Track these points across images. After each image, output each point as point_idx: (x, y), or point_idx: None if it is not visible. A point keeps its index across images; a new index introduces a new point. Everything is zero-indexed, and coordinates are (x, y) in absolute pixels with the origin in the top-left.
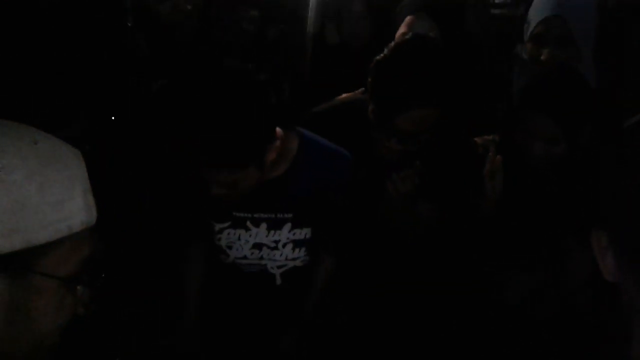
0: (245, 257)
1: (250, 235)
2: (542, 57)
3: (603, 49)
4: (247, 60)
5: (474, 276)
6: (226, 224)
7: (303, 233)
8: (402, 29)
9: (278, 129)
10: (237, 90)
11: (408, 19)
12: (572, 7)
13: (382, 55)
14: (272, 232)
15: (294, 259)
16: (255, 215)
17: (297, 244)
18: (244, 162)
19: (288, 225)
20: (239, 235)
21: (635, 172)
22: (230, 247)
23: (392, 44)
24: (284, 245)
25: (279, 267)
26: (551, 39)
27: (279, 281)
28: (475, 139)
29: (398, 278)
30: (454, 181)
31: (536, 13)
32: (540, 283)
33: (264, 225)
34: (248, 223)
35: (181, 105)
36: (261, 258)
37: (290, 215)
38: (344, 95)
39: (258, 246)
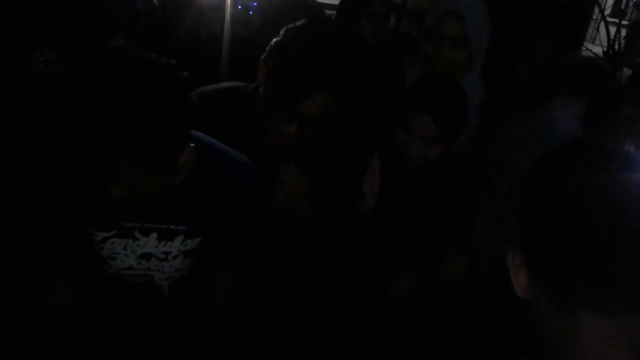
0: (130, 268)
1: (138, 245)
2: (439, 56)
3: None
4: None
5: (357, 278)
6: (111, 233)
7: (195, 243)
8: None
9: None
10: (161, 81)
11: None
12: (471, 6)
13: (282, 37)
14: (162, 242)
15: (182, 269)
16: (145, 225)
17: (187, 254)
18: (160, 157)
19: (180, 237)
20: (125, 244)
21: (551, 203)
22: (113, 258)
23: (291, 26)
24: (174, 257)
25: (167, 278)
26: (447, 37)
27: (166, 292)
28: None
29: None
30: (334, 182)
31: (434, 9)
32: (418, 284)
33: (154, 235)
34: (136, 233)
35: (90, 89)
36: (148, 269)
37: (183, 228)
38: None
39: (146, 256)
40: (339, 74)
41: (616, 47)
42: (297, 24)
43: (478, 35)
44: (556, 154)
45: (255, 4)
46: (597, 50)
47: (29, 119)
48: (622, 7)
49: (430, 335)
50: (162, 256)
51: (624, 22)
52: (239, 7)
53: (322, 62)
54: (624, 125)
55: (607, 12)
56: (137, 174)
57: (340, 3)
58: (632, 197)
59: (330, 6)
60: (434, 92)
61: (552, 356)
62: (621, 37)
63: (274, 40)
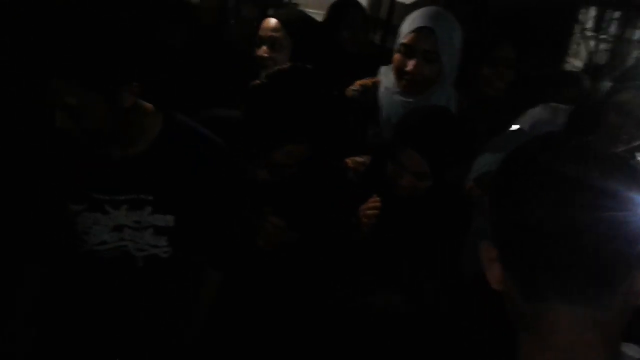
0: (104, 242)
1: (109, 219)
2: (407, 69)
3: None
4: None
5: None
6: (82, 207)
7: (165, 220)
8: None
9: (147, 104)
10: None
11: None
12: (443, 23)
13: (259, 82)
14: (133, 212)
15: (155, 247)
16: (115, 198)
17: (158, 230)
18: (94, 75)
19: (149, 209)
20: (96, 219)
21: (515, 196)
22: (87, 233)
23: (271, 72)
24: (145, 228)
25: (140, 250)
26: (419, 51)
27: (140, 263)
28: (347, 160)
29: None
30: (321, 208)
31: (407, 24)
32: (396, 302)
33: (124, 207)
34: (107, 206)
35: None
36: (122, 239)
37: (150, 198)
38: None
39: (119, 228)
40: (310, 127)
41: (595, 60)
42: (278, 68)
43: (450, 50)
44: (524, 149)
45: None
46: (580, 64)
47: None
48: (600, 21)
49: (413, 341)
50: (135, 225)
51: (602, 37)
52: None
53: (293, 115)
54: (608, 133)
55: (589, 25)
56: (74, 92)
57: (326, 13)
58: (593, 191)
59: None
60: (424, 127)
61: (526, 348)
62: (599, 51)
63: (253, 83)
